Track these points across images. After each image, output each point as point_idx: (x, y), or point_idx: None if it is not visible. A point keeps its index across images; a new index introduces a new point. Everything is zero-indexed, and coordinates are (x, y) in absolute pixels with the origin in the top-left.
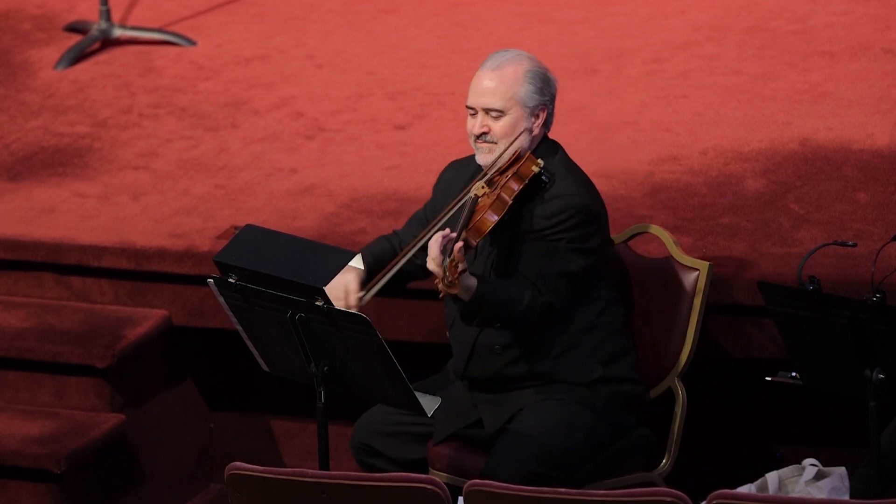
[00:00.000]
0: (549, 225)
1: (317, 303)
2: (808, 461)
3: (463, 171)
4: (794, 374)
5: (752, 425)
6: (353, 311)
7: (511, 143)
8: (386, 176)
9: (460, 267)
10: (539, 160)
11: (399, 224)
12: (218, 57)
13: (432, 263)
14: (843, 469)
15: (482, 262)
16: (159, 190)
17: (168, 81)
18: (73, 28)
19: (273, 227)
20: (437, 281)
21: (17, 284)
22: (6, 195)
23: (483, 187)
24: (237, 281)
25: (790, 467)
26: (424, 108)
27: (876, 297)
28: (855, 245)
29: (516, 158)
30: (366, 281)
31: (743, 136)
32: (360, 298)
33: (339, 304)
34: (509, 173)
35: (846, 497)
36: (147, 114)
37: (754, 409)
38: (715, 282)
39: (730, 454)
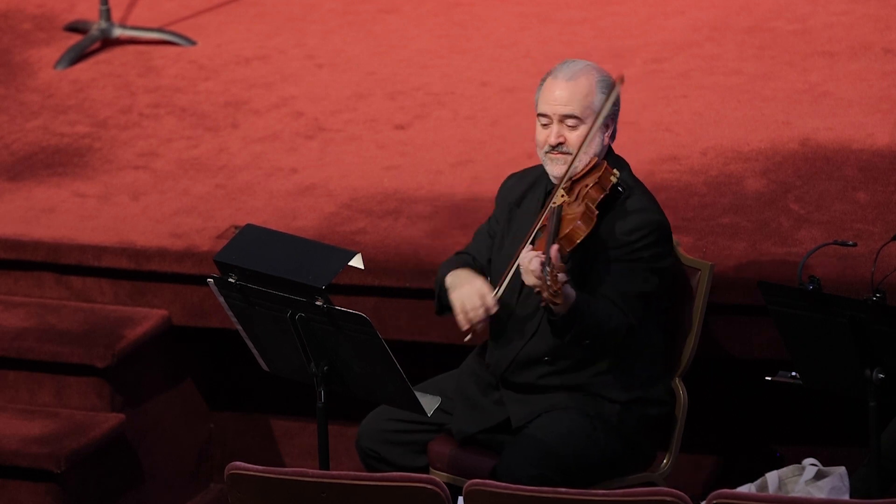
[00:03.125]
0: (629, 241)
1: (317, 302)
2: (808, 461)
3: (523, 180)
4: (794, 374)
5: (752, 425)
6: (354, 312)
7: (584, 153)
8: (386, 176)
9: (561, 277)
10: (615, 171)
11: (398, 224)
12: (218, 57)
13: (531, 277)
14: (843, 469)
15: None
16: (159, 190)
17: (168, 81)
18: (73, 28)
19: (273, 227)
20: (539, 291)
21: (17, 284)
22: (6, 195)
23: (563, 195)
24: (237, 281)
25: (790, 467)
26: (424, 107)
27: (876, 296)
28: (855, 245)
29: (593, 167)
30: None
31: (743, 135)
32: (497, 297)
33: (478, 312)
34: (589, 181)
35: (846, 497)
36: (147, 114)
37: (754, 409)
38: (715, 282)
39: (730, 454)
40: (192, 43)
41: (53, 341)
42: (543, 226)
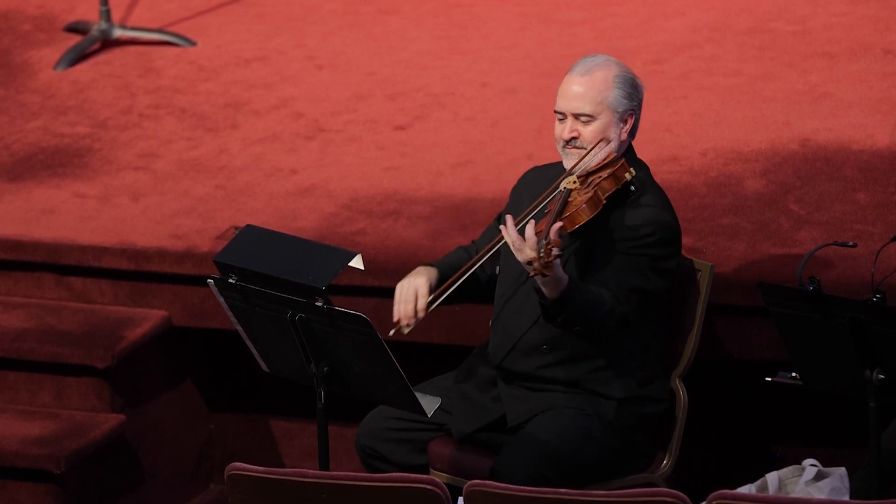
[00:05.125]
0: (635, 235)
1: (317, 303)
2: (808, 461)
3: (544, 174)
4: (794, 374)
5: (752, 425)
6: (354, 312)
7: (599, 148)
8: (386, 177)
9: (555, 251)
10: (631, 168)
11: (398, 225)
12: (218, 58)
13: (526, 249)
14: (843, 469)
15: (561, 259)
16: (159, 191)
17: (168, 82)
18: (73, 28)
19: (273, 228)
20: (530, 261)
21: (17, 285)
22: (6, 196)
23: (574, 182)
24: (237, 281)
25: (790, 467)
26: (424, 108)
27: (876, 297)
28: (855, 245)
29: (611, 161)
30: (436, 287)
31: (743, 136)
32: (428, 304)
33: (408, 307)
34: (604, 174)
35: (846, 497)
36: (147, 114)
37: (754, 409)
38: (715, 282)
39: (730, 454)
40: (192, 44)
41: (53, 342)
42: (549, 210)
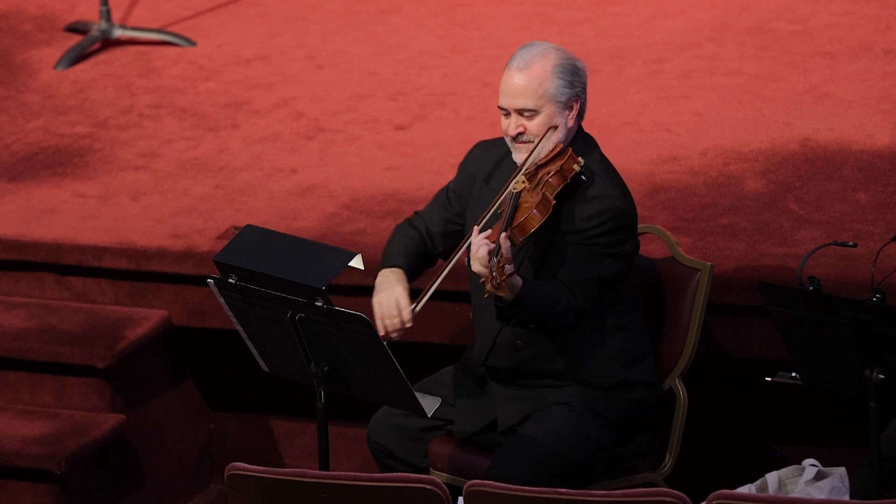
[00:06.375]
0: (586, 227)
1: (317, 303)
2: (808, 461)
3: (492, 151)
4: (794, 374)
5: (752, 425)
6: (355, 312)
7: (547, 139)
8: (386, 176)
9: (508, 269)
10: (580, 158)
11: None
12: (218, 57)
13: (477, 264)
14: (843, 469)
15: (515, 260)
16: (160, 190)
17: (168, 82)
18: (74, 28)
19: (273, 228)
20: (484, 281)
21: (18, 285)
22: (6, 195)
23: (523, 181)
24: (237, 281)
25: (790, 467)
26: (425, 108)
27: (876, 297)
28: (855, 245)
29: (558, 154)
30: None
31: (743, 136)
32: (413, 311)
33: (394, 321)
34: (551, 169)
35: (846, 497)
36: (147, 114)
37: (754, 409)
38: (715, 282)
39: (730, 454)
40: (193, 43)
41: (54, 342)
42: (502, 211)
